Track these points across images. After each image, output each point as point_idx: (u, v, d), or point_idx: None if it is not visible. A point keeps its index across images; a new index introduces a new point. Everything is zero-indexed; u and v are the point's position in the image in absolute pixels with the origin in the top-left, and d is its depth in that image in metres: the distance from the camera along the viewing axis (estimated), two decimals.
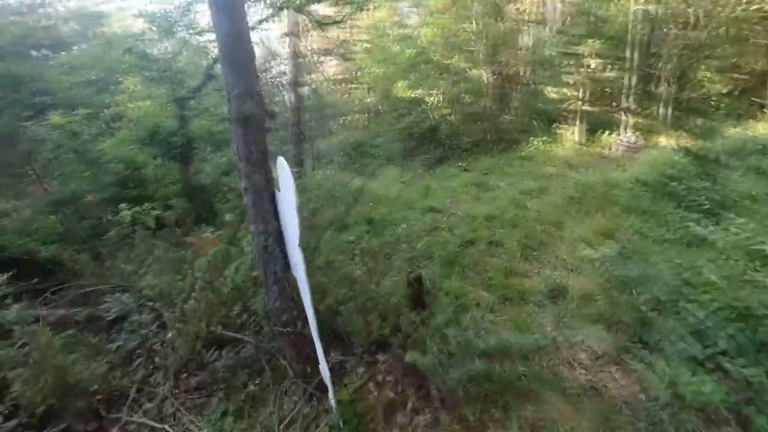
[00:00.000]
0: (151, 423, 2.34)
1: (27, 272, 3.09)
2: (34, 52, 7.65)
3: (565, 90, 10.14)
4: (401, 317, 3.06)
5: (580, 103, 9.75)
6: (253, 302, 2.77)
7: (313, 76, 14.16)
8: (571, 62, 9.75)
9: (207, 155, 7.61)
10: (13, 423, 2.12)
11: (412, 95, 10.70)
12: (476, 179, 7.55)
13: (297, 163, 9.84)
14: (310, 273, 3.51)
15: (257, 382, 2.58)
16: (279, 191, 2.11)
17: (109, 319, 3.12)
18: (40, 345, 2.31)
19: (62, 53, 8.39)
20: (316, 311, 3.19)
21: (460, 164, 9.24)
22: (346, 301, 3.32)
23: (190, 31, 5.32)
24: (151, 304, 2.98)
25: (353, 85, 16.17)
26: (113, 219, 3.40)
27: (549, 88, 10.69)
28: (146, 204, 3.42)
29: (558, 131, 10.32)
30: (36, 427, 2.20)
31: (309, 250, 3.56)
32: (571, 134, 10.04)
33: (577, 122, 9.95)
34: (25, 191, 4.63)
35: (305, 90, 17.00)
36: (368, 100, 15.19)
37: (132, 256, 3.22)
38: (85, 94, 6.83)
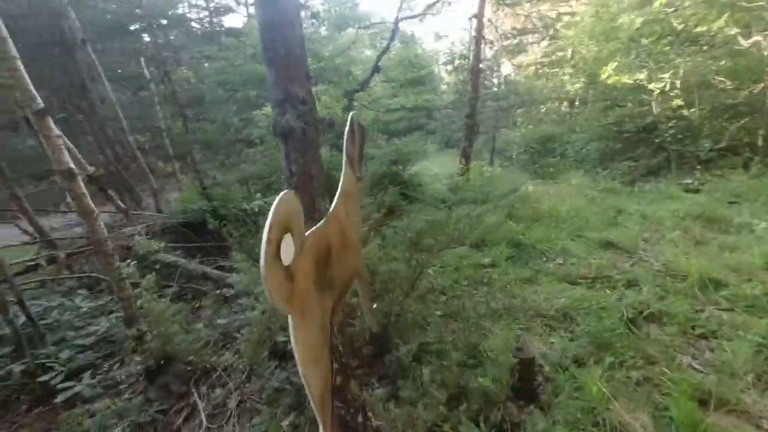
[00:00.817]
0: (203, 417, 2.45)
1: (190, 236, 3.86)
2: None
3: None
4: (484, 410, 2.19)
5: None
6: None
7: (504, 60, 12.77)
8: None
9: (378, 143, 8.00)
10: (122, 372, 2.61)
11: (631, 81, 8.04)
12: (709, 209, 4.96)
13: (466, 158, 9.24)
14: (403, 306, 3.00)
15: (295, 418, 2.33)
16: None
17: (229, 295, 3.57)
18: (155, 313, 2.75)
19: None
20: (389, 353, 2.69)
21: (689, 181, 6.37)
22: (425, 354, 2.67)
23: (359, 25, 5.43)
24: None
25: (555, 70, 13.72)
26: (246, 207, 3.84)
27: None
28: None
29: None
30: (139, 381, 2.66)
31: (408, 277, 2.99)
32: None
33: None
34: (230, 168, 5.95)
35: (499, 77, 15.70)
36: (574, 86, 12.58)
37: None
38: None
